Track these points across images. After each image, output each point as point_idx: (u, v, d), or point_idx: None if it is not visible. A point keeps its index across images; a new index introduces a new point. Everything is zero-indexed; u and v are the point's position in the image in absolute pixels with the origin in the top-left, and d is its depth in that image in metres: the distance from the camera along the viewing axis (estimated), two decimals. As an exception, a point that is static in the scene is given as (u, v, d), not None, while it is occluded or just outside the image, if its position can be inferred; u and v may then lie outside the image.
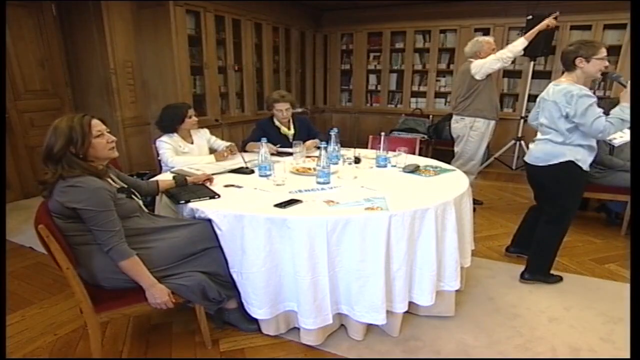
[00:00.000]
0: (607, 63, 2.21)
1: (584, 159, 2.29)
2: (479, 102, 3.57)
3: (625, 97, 2.16)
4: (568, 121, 2.22)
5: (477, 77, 3.50)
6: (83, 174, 1.57)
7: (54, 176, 1.55)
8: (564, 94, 2.18)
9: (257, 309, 1.86)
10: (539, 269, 2.53)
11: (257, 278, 1.80)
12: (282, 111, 3.12)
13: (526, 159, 2.50)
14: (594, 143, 2.30)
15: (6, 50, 3.68)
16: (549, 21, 3.50)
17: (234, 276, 1.86)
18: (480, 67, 3.46)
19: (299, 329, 1.93)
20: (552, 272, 2.56)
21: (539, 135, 2.46)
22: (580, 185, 2.38)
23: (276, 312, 1.91)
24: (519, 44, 3.44)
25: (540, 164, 2.38)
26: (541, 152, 2.38)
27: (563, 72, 2.32)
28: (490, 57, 3.45)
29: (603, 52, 2.18)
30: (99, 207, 1.54)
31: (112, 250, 1.56)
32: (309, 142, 3.07)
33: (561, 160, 2.29)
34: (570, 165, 2.28)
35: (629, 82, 2.17)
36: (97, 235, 1.56)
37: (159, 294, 1.64)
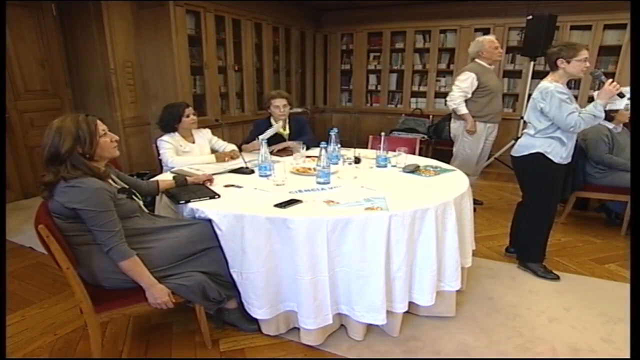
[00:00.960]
0: (587, 64, 2.32)
1: (555, 152, 2.39)
2: (475, 106, 3.57)
3: (601, 94, 2.26)
4: (542, 116, 2.37)
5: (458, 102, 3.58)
6: (85, 175, 1.57)
7: (56, 177, 1.54)
8: (541, 90, 2.34)
9: (257, 309, 1.86)
10: (525, 257, 2.67)
11: (257, 278, 1.80)
12: (279, 107, 3.12)
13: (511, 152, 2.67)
14: (565, 137, 2.39)
15: (6, 50, 3.68)
16: (472, 127, 3.64)
17: (234, 276, 1.86)
18: (451, 101, 3.59)
19: (299, 329, 1.93)
20: (553, 271, 2.59)
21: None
22: (551, 177, 2.46)
23: (276, 312, 1.91)
24: (463, 110, 3.56)
25: (515, 155, 2.55)
26: (517, 144, 2.56)
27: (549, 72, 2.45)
28: (454, 92, 3.57)
29: (583, 54, 2.28)
30: (99, 208, 1.54)
31: (112, 251, 1.56)
32: (289, 143, 3.08)
33: (531, 151, 2.44)
34: (539, 156, 2.40)
35: (610, 79, 2.25)
36: (97, 235, 1.56)
37: (159, 294, 1.64)
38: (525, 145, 2.48)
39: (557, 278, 2.55)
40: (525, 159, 2.48)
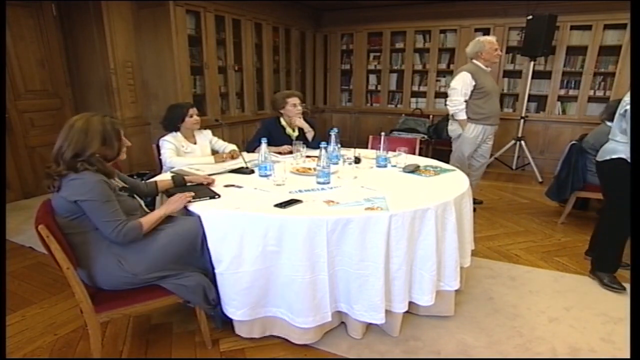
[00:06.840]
0: None
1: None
2: (468, 107, 3.52)
3: None
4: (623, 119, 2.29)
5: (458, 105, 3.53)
6: (97, 171, 1.59)
7: (68, 170, 1.55)
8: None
9: (236, 309, 1.82)
10: (598, 267, 2.56)
11: (243, 278, 1.77)
12: (297, 105, 3.11)
13: None
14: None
15: (6, 50, 3.68)
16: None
17: (230, 274, 1.85)
18: (452, 104, 3.53)
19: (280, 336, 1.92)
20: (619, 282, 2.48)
21: None
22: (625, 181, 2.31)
23: (255, 316, 1.87)
24: (462, 116, 3.51)
25: (598, 160, 2.51)
26: (602, 149, 2.50)
27: None
28: (454, 97, 3.51)
29: None
30: (102, 198, 1.55)
31: (124, 231, 1.57)
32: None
33: (613, 156, 2.36)
34: (621, 162, 2.33)
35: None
36: (103, 228, 1.57)
37: (175, 205, 1.78)
38: (608, 150, 2.40)
39: (623, 289, 2.41)
40: (607, 164, 2.40)
